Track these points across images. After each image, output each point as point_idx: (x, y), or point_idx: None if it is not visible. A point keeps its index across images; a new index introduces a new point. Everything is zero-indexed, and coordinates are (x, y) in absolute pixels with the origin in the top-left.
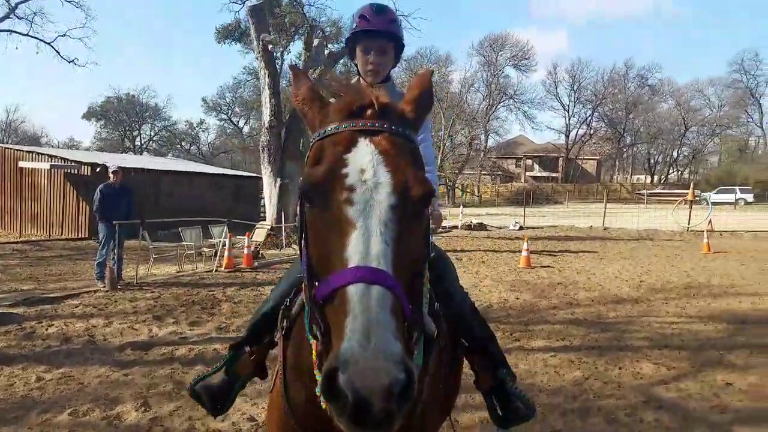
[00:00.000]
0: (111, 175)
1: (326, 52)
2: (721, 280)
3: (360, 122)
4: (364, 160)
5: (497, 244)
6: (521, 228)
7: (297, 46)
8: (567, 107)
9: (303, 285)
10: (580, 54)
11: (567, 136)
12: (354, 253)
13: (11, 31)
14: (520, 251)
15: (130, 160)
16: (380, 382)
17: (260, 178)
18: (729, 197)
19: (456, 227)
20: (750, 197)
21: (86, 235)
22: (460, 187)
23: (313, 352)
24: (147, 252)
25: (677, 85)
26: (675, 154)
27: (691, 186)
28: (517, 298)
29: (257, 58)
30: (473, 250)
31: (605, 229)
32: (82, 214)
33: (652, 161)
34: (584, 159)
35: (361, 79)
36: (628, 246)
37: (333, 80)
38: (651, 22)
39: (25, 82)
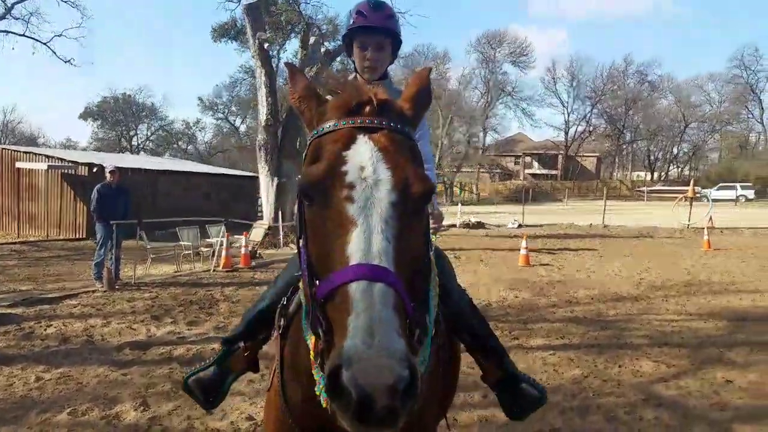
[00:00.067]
0: (108, 175)
1: (323, 50)
2: (722, 278)
3: (359, 119)
4: (363, 157)
5: (496, 243)
6: (520, 226)
7: (293, 44)
8: (566, 104)
9: (300, 283)
10: (580, 54)
11: (566, 133)
12: (355, 250)
13: (7, 32)
14: (518, 250)
15: (127, 160)
16: (384, 379)
17: (257, 178)
18: (730, 194)
19: (454, 226)
20: (751, 194)
21: (84, 236)
22: (458, 186)
23: (311, 351)
24: (144, 252)
25: (677, 81)
26: (675, 150)
27: (692, 183)
28: (516, 297)
29: (253, 57)
30: (472, 249)
31: (605, 226)
32: (80, 214)
33: (652, 158)
34: (584, 156)
35: (358, 75)
36: (627, 243)
37: (330, 78)
38: (651, 22)
39: (22, 83)
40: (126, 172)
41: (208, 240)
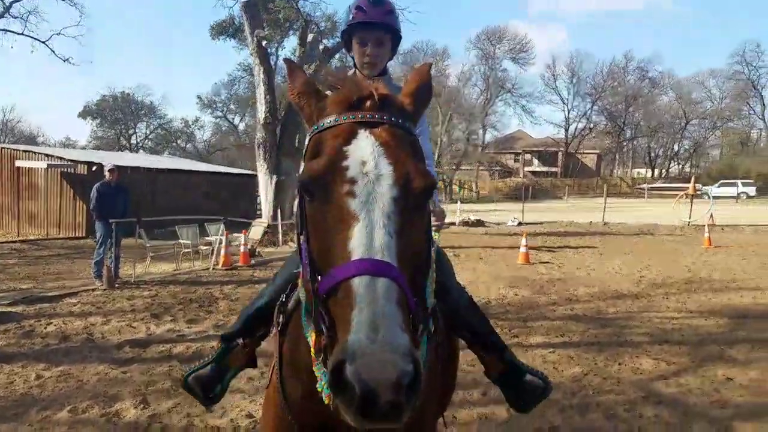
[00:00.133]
0: (107, 174)
1: (321, 47)
2: (722, 275)
3: (359, 114)
4: (364, 152)
5: (495, 241)
6: (520, 224)
7: (291, 42)
8: (566, 101)
9: (299, 280)
10: (580, 51)
11: (566, 131)
12: (358, 245)
13: (6, 30)
14: (518, 247)
15: (126, 159)
16: (388, 374)
17: (256, 176)
18: (731, 191)
19: (453, 224)
20: (752, 191)
21: (84, 234)
22: (457, 184)
23: (311, 348)
24: (144, 250)
25: (678, 77)
26: (676, 147)
27: (692, 180)
28: (516, 295)
29: (252, 54)
30: (471, 247)
31: (605, 224)
32: (80, 213)
33: (652, 155)
34: (584, 153)
35: (357, 71)
36: (628, 241)
37: (329, 74)
38: (651, 19)
39: (21, 82)
40: (125, 171)
41: (207, 238)
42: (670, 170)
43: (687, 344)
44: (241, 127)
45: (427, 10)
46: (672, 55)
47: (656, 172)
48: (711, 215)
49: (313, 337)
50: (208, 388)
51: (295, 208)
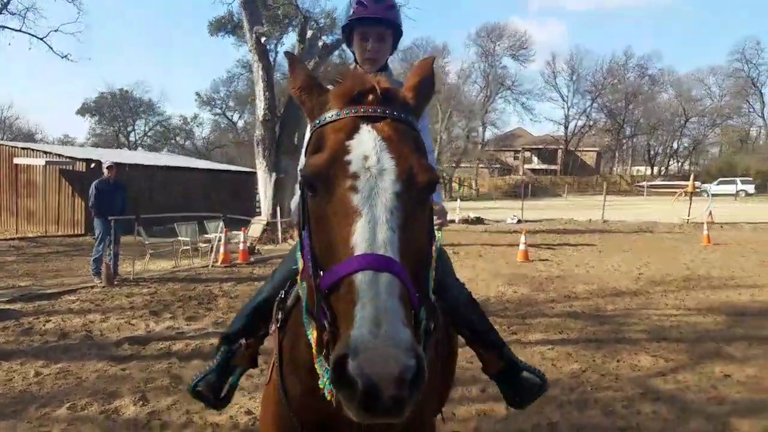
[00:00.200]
0: (106, 171)
1: (320, 44)
2: (721, 272)
3: (361, 108)
4: (367, 146)
5: (495, 238)
6: (519, 221)
7: (291, 38)
8: (566, 98)
9: (298, 277)
10: (580, 47)
11: (566, 128)
12: (360, 240)
13: (3, 27)
14: (517, 245)
15: (125, 156)
16: (391, 369)
17: (255, 173)
18: (730, 188)
19: (453, 221)
20: (751, 188)
21: (82, 232)
22: (457, 181)
23: (313, 344)
24: (143, 248)
25: (677, 74)
26: (675, 145)
27: (692, 177)
28: (515, 292)
29: (250, 51)
30: (470, 244)
31: (604, 221)
32: (78, 210)
33: (652, 152)
34: (583, 151)
35: (358, 67)
36: (627, 238)
37: (331, 68)
38: (651, 18)
39: (19, 78)
40: (124, 168)
41: (206, 236)
42: (669, 168)
43: (685, 341)
44: (240, 124)
45: (426, 7)
46: (672, 52)
47: (656, 169)
48: (710, 213)
49: (314, 333)
50: (217, 392)
51: (292, 205)
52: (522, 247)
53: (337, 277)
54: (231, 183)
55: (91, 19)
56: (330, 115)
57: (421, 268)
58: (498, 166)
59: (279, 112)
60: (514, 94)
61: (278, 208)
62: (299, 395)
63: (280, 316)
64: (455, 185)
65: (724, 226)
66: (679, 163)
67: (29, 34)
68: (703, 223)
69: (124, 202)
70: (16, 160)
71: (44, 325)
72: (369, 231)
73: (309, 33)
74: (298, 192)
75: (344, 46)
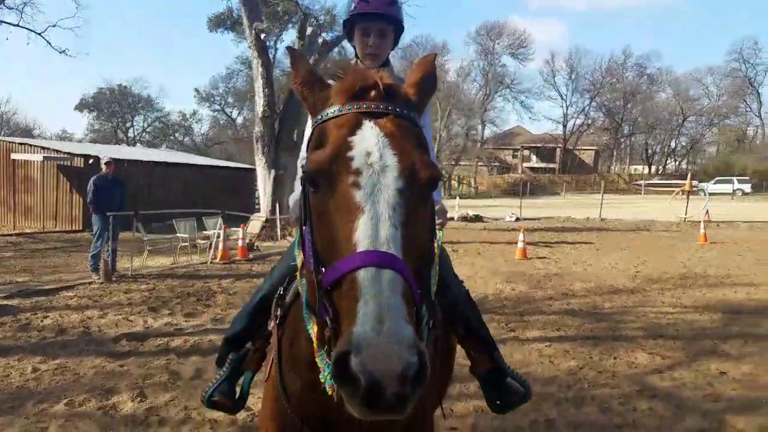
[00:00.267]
0: (104, 167)
1: (320, 40)
2: (717, 271)
3: (364, 104)
4: (369, 142)
5: (493, 236)
6: (518, 219)
7: (290, 35)
8: (564, 97)
9: (297, 273)
10: (579, 46)
11: (564, 127)
12: (363, 237)
13: (1, 22)
14: (516, 243)
15: (124, 152)
16: (393, 365)
17: (254, 170)
18: (727, 188)
19: (452, 219)
20: (747, 187)
21: (80, 228)
22: (456, 179)
23: (314, 338)
24: (141, 244)
25: (675, 74)
26: (673, 144)
27: (689, 176)
28: (513, 289)
29: (250, 47)
30: (469, 242)
31: (602, 220)
32: (76, 206)
33: (649, 151)
34: (581, 149)
35: (359, 62)
36: (624, 237)
37: (333, 63)
38: (650, 18)
39: (16, 72)
40: (122, 164)
41: (205, 232)
42: (666, 167)
43: (681, 339)
44: (239, 120)
45: (427, 5)
46: (671, 51)
47: (653, 168)
48: (707, 212)
49: (315, 328)
50: (232, 398)
51: (291, 201)
52: (520, 244)
53: (340, 273)
54: (230, 180)
55: (90, 14)
56: (332, 110)
57: (423, 265)
58: (497, 164)
59: (278, 109)
60: (514, 92)
61: (277, 205)
62: (299, 391)
63: (278, 312)
64: (454, 183)
65: (720, 225)
66: (677, 162)
67: (27, 29)
68: (700, 222)
69: (122, 198)
70: (13, 156)
71: (42, 321)
72: (371, 228)
73: (309, 30)
74: (297, 188)
75: (344, 43)
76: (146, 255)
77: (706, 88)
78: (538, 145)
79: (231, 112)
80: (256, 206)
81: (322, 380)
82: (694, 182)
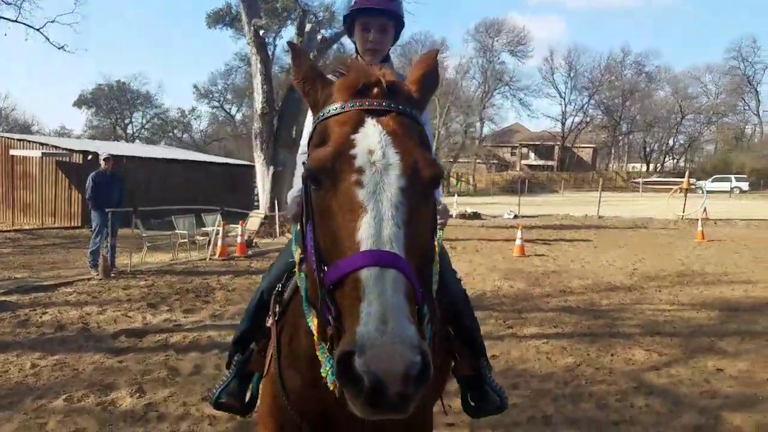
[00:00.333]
0: (102, 163)
1: (319, 37)
2: (715, 268)
3: (366, 101)
4: (372, 140)
5: (492, 233)
6: (516, 217)
7: (289, 32)
8: (563, 94)
9: (296, 269)
10: (578, 44)
11: (563, 124)
12: (366, 236)
13: None
14: (514, 240)
15: (122, 148)
16: (397, 365)
17: (253, 166)
18: (724, 186)
19: (450, 216)
20: (745, 186)
21: (79, 224)
22: (454, 176)
23: (314, 331)
24: (140, 240)
25: (674, 72)
26: (671, 142)
27: (687, 174)
28: (511, 287)
29: (249, 44)
30: (468, 239)
31: (600, 217)
32: (75, 202)
33: (648, 149)
34: (580, 147)
35: (359, 58)
36: (622, 234)
37: (335, 59)
38: (649, 16)
39: (13, 70)
40: (121, 160)
41: (203, 229)
42: (665, 165)
43: (678, 336)
44: (238, 117)
45: (426, 1)
46: (669, 50)
47: (651, 166)
48: (704, 209)
49: (315, 321)
50: (241, 400)
51: (289, 198)
52: (518, 242)
53: (342, 272)
54: (229, 176)
55: (88, 9)
56: (334, 107)
57: (424, 264)
58: (495, 161)
59: (277, 106)
60: (512, 89)
61: (276, 202)
62: (299, 387)
63: (277, 309)
64: (453, 180)
65: (718, 223)
66: (675, 160)
67: (25, 24)
68: (697, 220)
69: (121, 194)
70: (12, 152)
71: (41, 317)
72: (374, 227)
73: (308, 26)
74: (295, 184)
75: (343, 39)
76: (145, 251)
77: (705, 86)
78: (537, 142)
79: (230, 109)
80: (255, 203)
81: (324, 375)
82: (692, 180)
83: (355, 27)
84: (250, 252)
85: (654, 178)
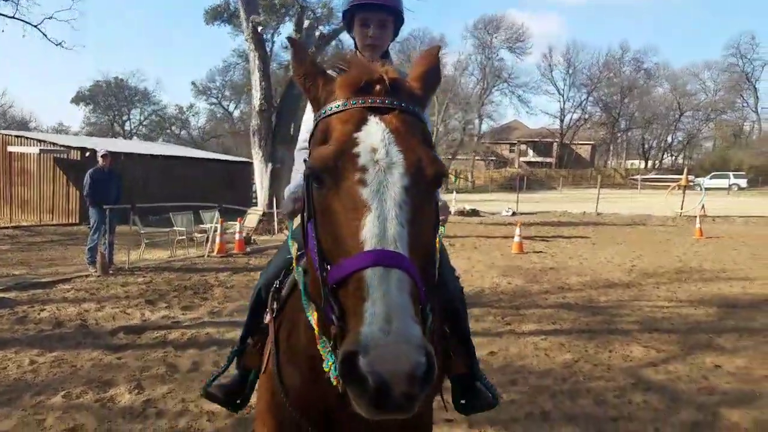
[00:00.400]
0: (100, 159)
1: (317, 33)
2: (713, 265)
3: (369, 99)
4: (375, 138)
5: (490, 230)
6: (514, 214)
7: (287, 28)
8: (562, 91)
9: (294, 263)
10: (576, 41)
11: (561, 121)
12: (370, 236)
13: None
14: (512, 237)
15: (120, 145)
16: (402, 366)
17: (251, 163)
18: (723, 182)
19: (449, 213)
20: (743, 183)
21: (77, 221)
22: (453, 173)
23: (314, 324)
24: (138, 237)
25: (673, 69)
26: (669, 139)
27: (685, 171)
28: (509, 283)
29: (247, 40)
30: (466, 236)
31: (598, 214)
32: (73, 199)
33: (646, 146)
34: (578, 144)
35: (358, 53)
36: (620, 231)
37: (337, 56)
38: (648, 12)
39: (11, 65)
40: (119, 157)
41: (201, 226)
42: (663, 162)
43: (676, 332)
44: (236, 114)
45: None
46: (668, 46)
47: (650, 163)
48: (702, 206)
49: (315, 315)
50: (233, 395)
51: (286, 193)
52: (517, 239)
53: (346, 272)
54: (227, 173)
55: (86, 6)
56: (336, 105)
57: (427, 263)
58: (494, 158)
59: (275, 102)
60: (511, 86)
61: (274, 199)
62: (298, 384)
63: (275, 306)
64: (451, 177)
65: (716, 220)
66: (673, 157)
67: (23, 20)
68: (695, 217)
69: (118, 191)
70: (9, 149)
71: (39, 314)
72: (378, 226)
73: (306, 23)
74: (293, 180)
75: (341, 36)
76: (143, 248)
77: (703, 83)
78: (535, 139)
79: (228, 106)
80: (253, 200)
81: (326, 369)
82: (691, 177)
83: (355, 22)
84: (248, 249)
85: (652, 175)
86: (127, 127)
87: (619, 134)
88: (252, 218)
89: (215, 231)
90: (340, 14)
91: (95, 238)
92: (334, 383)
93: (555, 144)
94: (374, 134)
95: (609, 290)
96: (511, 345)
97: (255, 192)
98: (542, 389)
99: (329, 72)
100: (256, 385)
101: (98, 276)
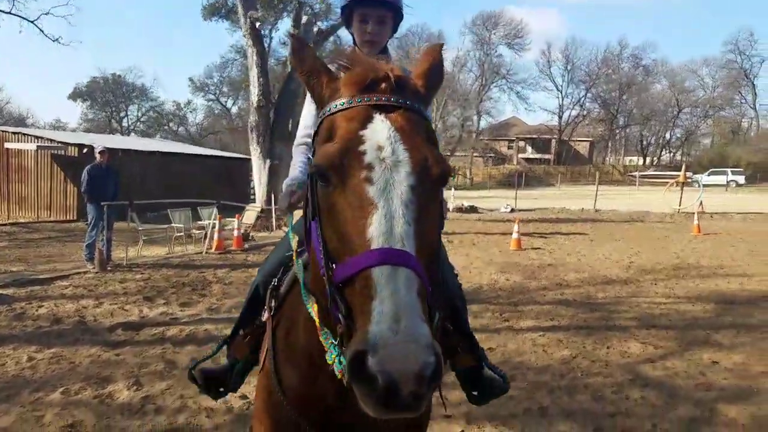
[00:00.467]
0: (98, 156)
1: (315, 29)
2: (711, 262)
3: (374, 96)
4: (381, 137)
5: (488, 227)
6: (512, 210)
7: (285, 24)
8: (560, 88)
9: (294, 259)
10: (575, 37)
11: (560, 118)
12: (377, 234)
13: None
14: (511, 233)
15: (118, 141)
16: (411, 365)
17: (249, 160)
18: (721, 179)
19: (448, 210)
20: (741, 179)
21: (75, 217)
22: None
23: (315, 317)
24: (136, 234)
25: (671, 65)
26: (668, 135)
27: (683, 168)
28: (507, 280)
29: (245, 36)
30: (464, 233)
31: (596, 211)
32: (70, 195)
33: (644, 143)
34: (577, 141)
35: (357, 49)
36: (618, 228)
37: (339, 53)
38: (647, 8)
39: (9, 63)
40: (116, 153)
41: (199, 222)
42: (661, 158)
43: (674, 329)
44: (234, 110)
45: None
46: (666, 42)
47: (648, 160)
48: (701, 203)
49: (315, 308)
50: (215, 382)
51: (284, 186)
52: (515, 235)
53: (353, 270)
54: (225, 169)
55: (83, 2)
56: (341, 102)
57: (432, 262)
58: (492, 155)
59: (273, 98)
60: (509, 83)
61: (272, 195)
62: (297, 383)
63: (273, 303)
64: None
65: (714, 216)
66: (671, 154)
67: (20, 16)
68: (693, 213)
69: (116, 187)
70: (6, 145)
71: (37, 311)
72: (385, 224)
73: (304, 18)
74: (291, 173)
75: (340, 32)
76: (141, 245)
77: (702, 80)
78: (534, 136)
79: (226, 102)
80: (252, 196)
81: (329, 362)
82: (689, 174)
83: (353, 18)
84: (246, 245)
85: (650, 172)
86: (124, 123)
87: (617, 131)
88: (250, 215)
89: (213, 227)
90: (339, 10)
91: (93, 235)
92: (339, 376)
93: (553, 141)
94: (380, 132)
95: (607, 287)
96: (509, 341)
97: (253, 188)
98: (540, 385)
99: (333, 69)
100: (246, 378)
101: (96, 272)
